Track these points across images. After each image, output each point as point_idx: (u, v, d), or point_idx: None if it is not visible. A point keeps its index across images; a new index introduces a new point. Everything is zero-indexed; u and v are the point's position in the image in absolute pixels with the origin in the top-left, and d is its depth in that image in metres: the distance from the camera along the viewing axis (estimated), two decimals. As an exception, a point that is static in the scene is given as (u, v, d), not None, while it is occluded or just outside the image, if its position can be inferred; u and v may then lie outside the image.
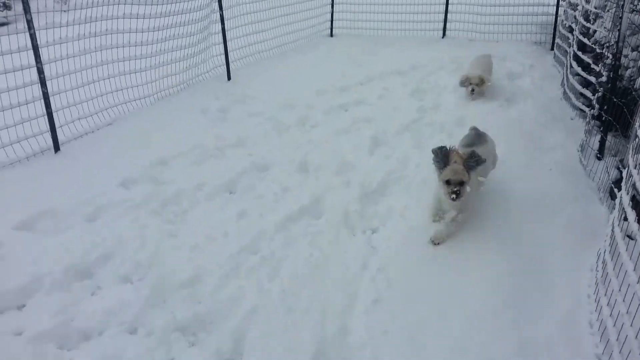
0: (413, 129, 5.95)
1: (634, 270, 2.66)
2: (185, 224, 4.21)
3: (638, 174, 2.86)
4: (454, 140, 5.48)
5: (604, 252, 3.17)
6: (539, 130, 5.53)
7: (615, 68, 4.50)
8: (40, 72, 5.24)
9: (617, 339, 2.70)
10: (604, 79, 4.73)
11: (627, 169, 3.15)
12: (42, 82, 5.30)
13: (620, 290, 2.78)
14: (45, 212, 4.17)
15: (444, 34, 10.32)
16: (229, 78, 8.27)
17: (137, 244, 3.85)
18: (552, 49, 8.91)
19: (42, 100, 5.36)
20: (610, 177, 4.12)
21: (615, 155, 4.53)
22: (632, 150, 3.13)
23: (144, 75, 6.97)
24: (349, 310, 3.21)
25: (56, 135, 5.49)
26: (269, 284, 3.46)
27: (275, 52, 9.51)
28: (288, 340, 2.99)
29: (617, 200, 3.20)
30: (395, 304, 3.27)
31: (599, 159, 4.60)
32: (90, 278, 3.50)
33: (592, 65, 5.34)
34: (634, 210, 2.89)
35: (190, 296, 3.35)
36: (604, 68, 4.78)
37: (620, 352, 2.61)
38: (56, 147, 5.49)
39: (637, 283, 2.57)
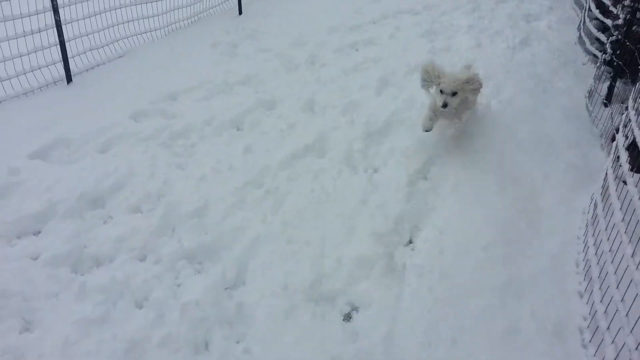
0: (422, 70, 5.90)
1: (620, 209, 2.76)
2: (193, 157, 4.34)
3: (637, 117, 2.90)
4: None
5: (596, 195, 3.26)
6: (549, 74, 5.47)
7: (633, 10, 4.38)
8: (53, -1, 5.21)
9: (598, 276, 2.85)
10: (620, 21, 4.62)
11: (626, 112, 3.18)
12: (55, 9, 5.26)
13: (606, 229, 2.90)
14: (58, 142, 4.31)
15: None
16: (240, 12, 8.14)
17: (147, 175, 4.00)
18: (575, -10, 8.56)
19: (55, 29, 5.35)
20: (613, 124, 4.13)
21: (622, 103, 4.50)
22: (635, 94, 3.14)
23: (155, 5, 6.90)
24: (346, 243, 3.38)
25: (68, 66, 5.53)
26: (272, 216, 3.63)
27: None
28: (288, 268, 3.17)
29: (614, 144, 3.25)
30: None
31: (606, 105, 4.58)
32: (103, 207, 3.67)
33: (611, 7, 5.18)
34: (627, 152, 2.94)
35: (197, 226, 3.52)
36: (622, 10, 4.65)
37: (599, 287, 2.76)
38: (69, 78, 5.56)
39: (621, 221, 2.69)
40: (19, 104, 5.02)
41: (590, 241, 3.10)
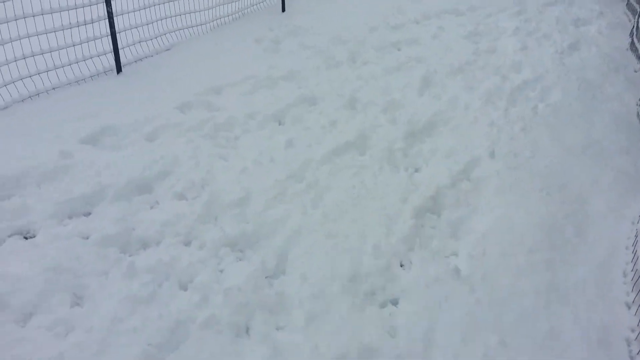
0: (466, 71, 5.85)
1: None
2: (236, 149, 4.41)
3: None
4: (509, 83, 5.41)
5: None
6: (599, 80, 5.33)
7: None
8: (106, -10, 5.39)
9: (649, 287, 2.77)
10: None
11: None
12: (107, 1, 5.43)
13: (659, 241, 2.81)
14: (108, 129, 4.45)
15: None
16: (283, 9, 8.22)
17: (191, 164, 4.09)
18: (627, -6, 8.31)
19: (107, 20, 5.52)
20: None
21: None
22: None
23: (202, 0, 7.05)
24: (386, 240, 3.38)
25: (119, 57, 5.70)
26: (312, 209, 3.66)
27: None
28: (328, 260, 3.20)
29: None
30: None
31: (660, 113, 4.44)
32: (149, 192, 3.78)
33: (668, 13, 5.02)
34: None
35: (239, 215, 3.58)
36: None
37: (650, 299, 2.68)
38: (118, 68, 5.73)
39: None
40: (71, 92, 5.19)
41: (640, 251, 3.01)
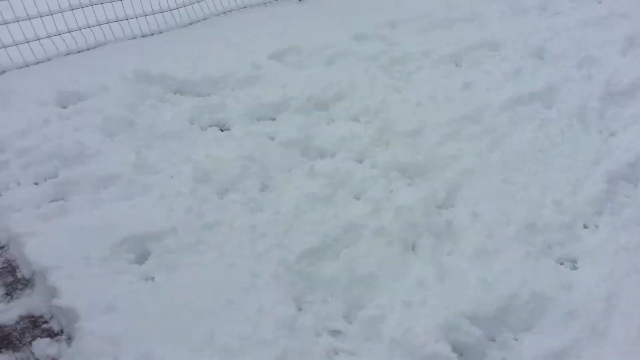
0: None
1: None
2: (411, 83, 4.33)
3: None
4: None
5: None
6: None
7: None
8: None
9: None
10: None
11: None
12: None
13: None
14: (291, 49, 4.69)
15: None
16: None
17: (366, 92, 4.12)
18: None
19: None
20: None
21: None
22: None
23: None
24: (570, 198, 3.11)
25: None
26: (488, 153, 3.48)
27: None
28: (502, 206, 3.04)
29: None
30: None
31: None
32: (326, 110, 3.94)
33: None
34: None
35: (411, 145, 3.55)
36: None
37: None
38: None
39: None
40: (256, 15, 5.52)
41: None
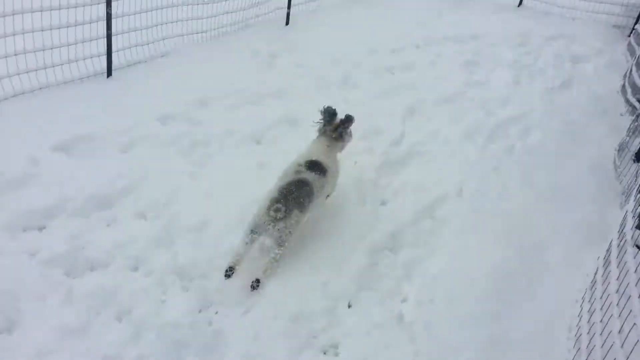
0: (454, 102, 5.82)
1: (617, 279, 2.63)
2: (208, 167, 4.38)
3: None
4: (493, 119, 5.37)
5: (599, 259, 3.13)
6: (583, 123, 5.29)
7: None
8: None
9: (586, 347, 2.72)
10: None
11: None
12: (108, 2, 5.31)
13: (601, 297, 2.77)
14: (83, 137, 4.41)
15: (520, 2, 9.71)
16: (287, 23, 8.17)
17: (158, 181, 4.03)
18: (630, 35, 8.22)
19: (105, 22, 5.40)
20: (637, 182, 3.94)
21: (654, 162, 4.29)
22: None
23: (205, 8, 6.92)
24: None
25: (111, 60, 5.61)
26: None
27: (340, 1, 9.28)
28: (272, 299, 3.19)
29: (625, 207, 3.11)
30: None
31: (635, 162, 4.37)
32: (110, 209, 3.73)
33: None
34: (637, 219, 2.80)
35: (197, 240, 3.55)
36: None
37: (585, 360, 2.64)
38: (109, 72, 5.64)
39: (615, 292, 2.56)
40: (55, 94, 5.09)
41: (586, 307, 2.97)
